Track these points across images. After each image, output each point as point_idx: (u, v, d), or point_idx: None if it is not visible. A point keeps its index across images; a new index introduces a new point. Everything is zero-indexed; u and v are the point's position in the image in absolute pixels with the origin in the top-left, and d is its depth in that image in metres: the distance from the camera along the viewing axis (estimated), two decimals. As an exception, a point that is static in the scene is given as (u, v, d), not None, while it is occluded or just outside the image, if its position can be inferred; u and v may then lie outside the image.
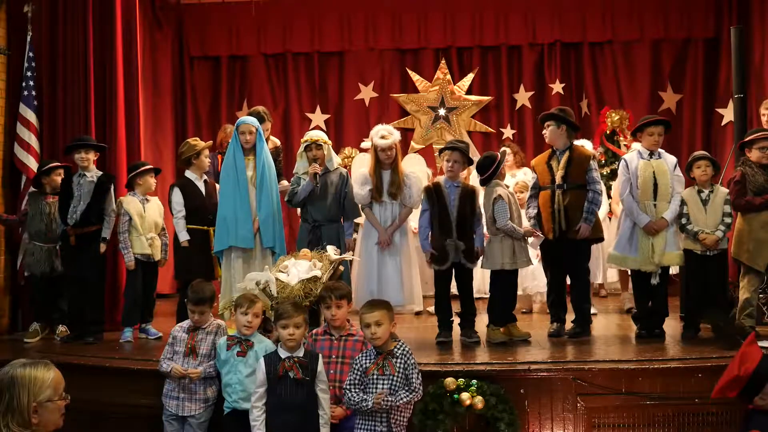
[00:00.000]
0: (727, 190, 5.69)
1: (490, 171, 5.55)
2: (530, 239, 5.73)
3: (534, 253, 6.45)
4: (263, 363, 4.10)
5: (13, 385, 2.69)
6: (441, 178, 5.65)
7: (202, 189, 6.18)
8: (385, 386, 3.94)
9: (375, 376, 3.97)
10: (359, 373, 4.01)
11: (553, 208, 5.63)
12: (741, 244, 5.73)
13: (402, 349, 4.01)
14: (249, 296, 4.54)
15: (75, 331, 6.13)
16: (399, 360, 3.98)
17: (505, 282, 5.63)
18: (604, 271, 7.33)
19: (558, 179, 5.66)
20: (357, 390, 3.98)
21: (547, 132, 5.77)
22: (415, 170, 6.10)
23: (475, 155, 8.44)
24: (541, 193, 5.78)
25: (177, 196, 6.08)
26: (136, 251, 6.06)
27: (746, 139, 5.84)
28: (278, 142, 7.28)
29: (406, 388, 3.95)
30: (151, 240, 6.13)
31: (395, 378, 3.95)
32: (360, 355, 4.10)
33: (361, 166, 5.99)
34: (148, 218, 6.14)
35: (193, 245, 6.02)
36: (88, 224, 6.02)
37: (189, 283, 6.09)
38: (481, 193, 5.74)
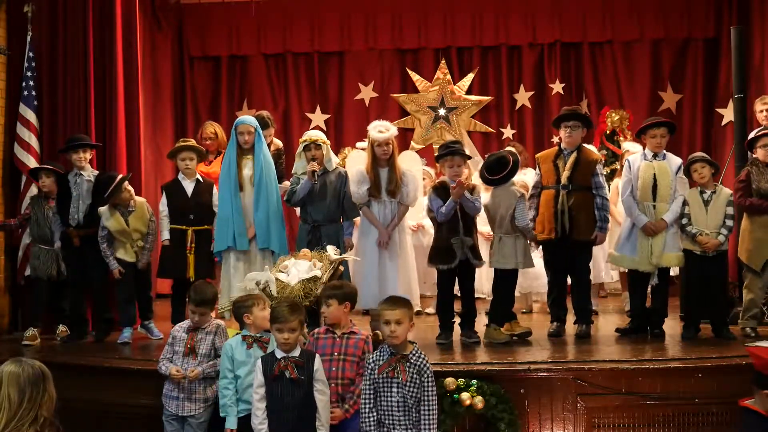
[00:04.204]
0: (731, 192, 5.69)
1: (506, 173, 5.53)
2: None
3: (539, 253, 6.45)
4: (260, 363, 4.09)
5: (44, 377, 2.88)
6: (445, 178, 5.63)
7: (188, 189, 6.14)
8: (396, 392, 3.87)
9: (386, 377, 3.89)
10: (371, 380, 3.93)
11: (557, 209, 5.61)
12: (742, 243, 5.78)
13: (417, 355, 3.92)
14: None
15: (75, 332, 6.15)
16: (413, 367, 3.89)
17: (509, 281, 5.66)
18: (605, 271, 7.33)
19: (564, 180, 5.64)
20: (371, 408, 3.91)
21: (571, 132, 5.70)
22: (412, 168, 6.09)
23: (474, 154, 8.50)
24: (543, 192, 5.76)
25: (162, 198, 6.17)
26: (119, 256, 6.01)
27: (750, 137, 5.88)
28: (280, 144, 7.29)
29: (424, 417, 3.84)
30: (137, 248, 6.07)
31: (407, 387, 3.87)
32: (373, 355, 4.03)
33: (356, 163, 5.97)
34: (132, 229, 6.03)
35: (170, 244, 6.06)
36: (93, 224, 6.02)
37: (175, 283, 6.18)
38: (483, 191, 5.74)
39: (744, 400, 4.13)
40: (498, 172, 5.57)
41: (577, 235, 5.61)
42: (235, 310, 4.57)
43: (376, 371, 3.93)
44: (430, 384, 3.89)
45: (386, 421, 3.91)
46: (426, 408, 3.87)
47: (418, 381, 3.88)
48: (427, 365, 3.92)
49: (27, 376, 2.84)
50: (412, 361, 3.90)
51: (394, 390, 3.89)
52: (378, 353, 3.99)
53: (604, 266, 6.98)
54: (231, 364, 4.38)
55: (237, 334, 4.58)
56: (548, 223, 5.66)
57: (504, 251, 5.55)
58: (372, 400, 3.94)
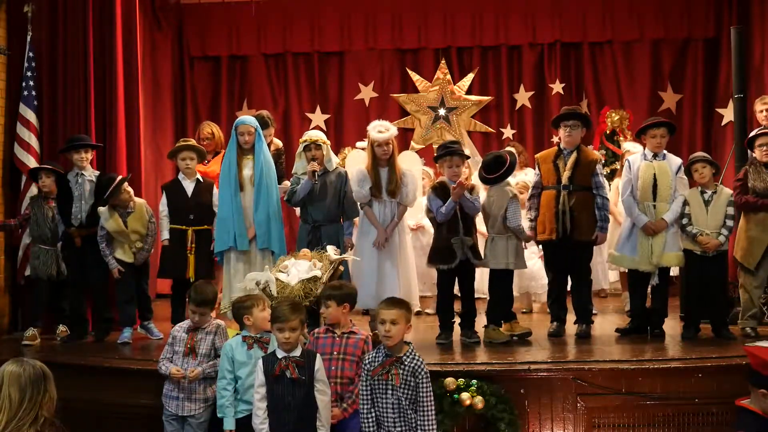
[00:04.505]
0: (731, 192, 5.70)
1: (502, 172, 5.54)
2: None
3: (537, 253, 6.45)
4: (261, 363, 4.09)
5: (45, 377, 2.91)
6: (444, 178, 5.63)
7: (189, 189, 6.14)
8: (391, 395, 3.87)
9: (380, 380, 3.89)
10: (367, 377, 3.94)
11: (558, 209, 5.61)
12: (738, 242, 5.79)
13: (411, 357, 3.90)
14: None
15: (75, 332, 6.16)
16: (406, 369, 3.87)
17: (505, 281, 5.66)
18: (605, 276, 7.33)
19: (564, 180, 5.64)
20: (370, 408, 3.92)
21: (571, 132, 5.70)
22: (412, 169, 6.09)
23: (474, 154, 8.50)
24: (543, 192, 5.75)
25: (162, 198, 6.18)
26: (118, 256, 6.01)
27: (750, 136, 5.89)
28: (280, 144, 7.29)
29: (422, 419, 3.83)
30: (135, 250, 6.06)
31: (400, 390, 3.86)
32: (369, 355, 4.03)
33: (356, 163, 5.96)
34: (130, 230, 6.02)
35: (170, 244, 6.06)
36: (96, 225, 6.02)
37: (175, 283, 6.17)
38: (482, 191, 5.74)
39: (741, 400, 4.13)
40: (495, 171, 5.57)
41: (578, 235, 5.61)
42: (234, 311, 4.56)
43: (369, 375, 3.94)
44: (425, 385, 3.87)
45: (384, 422, 3.91)
46: (423, 409, 3.86)
47: (412, 383, 3.86)
48: (422, 366, 3.90)
49: (28, 376, 2.86)
50: (405, 363, 3.88)
51: (389, 392, 3.89)
52: (374, 354, 4.00)
53: (601, 270, 6.99)
54: (230, 365, 4.37)
55: (237, 334, 4.58)
56: (549, 224, 5.65)
57: (496, 251, 5.55)
58: (370, 401, 3.95)
